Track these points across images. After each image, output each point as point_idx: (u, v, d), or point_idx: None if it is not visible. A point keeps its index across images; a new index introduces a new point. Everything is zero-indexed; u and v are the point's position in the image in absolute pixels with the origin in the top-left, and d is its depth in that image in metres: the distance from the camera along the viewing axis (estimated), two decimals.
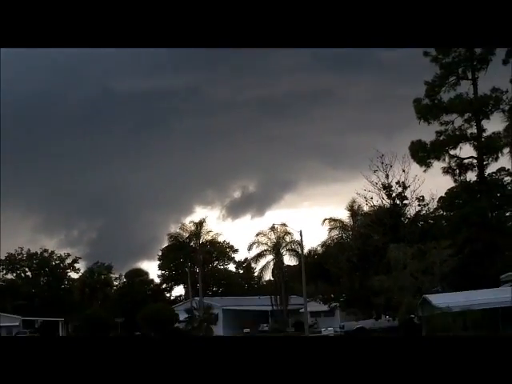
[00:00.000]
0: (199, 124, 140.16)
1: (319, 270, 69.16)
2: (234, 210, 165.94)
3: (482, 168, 63.36)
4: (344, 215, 71.42)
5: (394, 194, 60.03)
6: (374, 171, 59.70)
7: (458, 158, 63.60)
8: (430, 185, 73.21)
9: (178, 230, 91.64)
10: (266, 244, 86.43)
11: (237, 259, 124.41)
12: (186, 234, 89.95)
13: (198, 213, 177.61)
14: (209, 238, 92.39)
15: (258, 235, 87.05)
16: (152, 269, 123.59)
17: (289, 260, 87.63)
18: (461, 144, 63.78)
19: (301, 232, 74.17)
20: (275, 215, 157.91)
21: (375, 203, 61.00)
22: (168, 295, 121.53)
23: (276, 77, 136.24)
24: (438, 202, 67.66)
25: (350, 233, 69.09)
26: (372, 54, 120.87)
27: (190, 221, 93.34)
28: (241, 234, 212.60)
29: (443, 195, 67.85)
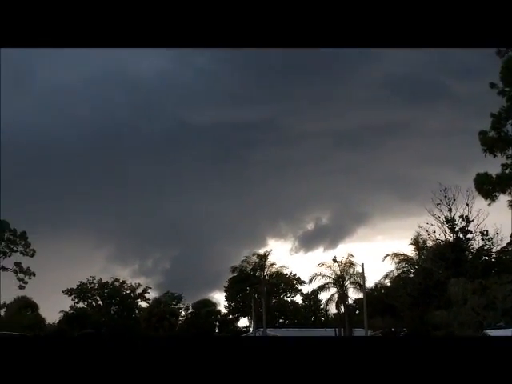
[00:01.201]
0: (274, 156, 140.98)
1: (384, 304, 68.45)
2: (307, 242, 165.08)
3: None
4: (410, 249, 70.75)
5: (457, 228, 59.07)
6: (437, 204, 58.88)
7: None
8: (494, 219, 71.96)
9: (241, 263, 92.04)
10: (330, 276, 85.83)
11: (304, 291, 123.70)
12: (251, 266, 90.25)
13: (271, 245, 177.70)
14: (273, 270, 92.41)
15: (320, 266, 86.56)
16: (222, 300, 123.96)
17: (352, 293, 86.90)
18: None
19: (363, 265, 73.70)
20: (348, 248, 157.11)
21: (438, 237, 60.07)
22: (234, 326, 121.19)
23: (351, 108, 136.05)
24: (510, 236, 66.47)
25: (416, 267, 68.27)
26: (449, 86, 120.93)
27: (253, 253, 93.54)
28: (311, 267, 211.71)
29: None
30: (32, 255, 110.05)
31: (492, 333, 47.52)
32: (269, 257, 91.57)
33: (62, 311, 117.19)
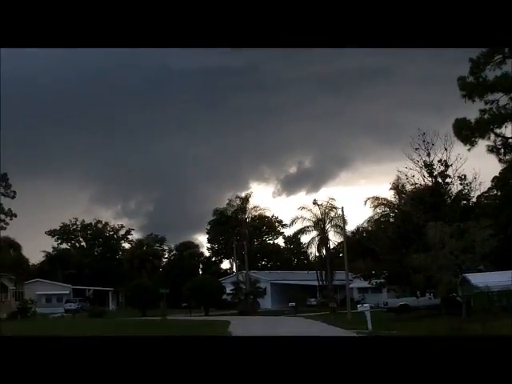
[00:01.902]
0: (256, 101, 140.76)
1: (365, 248, 68.99)
2: (289, 185, 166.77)
3: None
4: (390, 194, 71.14)
5: (435, 173, 59.19)
6: (416, 149, 58.94)
7: (504, 137, 62.35)
8: (473, 164, 71.94)
9: (224, 206, 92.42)
10: (311, 219, 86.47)
11: (287, 234, 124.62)
12: (233, 209, 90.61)
13: (254, 188, 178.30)
14: (255, 213, 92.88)
15: (301, 209, 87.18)
16: (205, 242, 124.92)
17: (334, 236, 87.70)
18: (506, 123, 62.44)
19: (342, 208, 74.15)
20: (330, 191, 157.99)
21: (417, 181, 60.24)
22: (217, 268, 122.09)
23: (335, 53, 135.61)
24: (491, 181, 66.74)
25: (395, 211, 68.67)
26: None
27: (235, 195, 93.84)
28: (294, 210, 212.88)
29: (497, 175, 67.04)
30: (13, 197, 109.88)
31: (471, 277, 48.00)
32: (251, 200, 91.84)
33: (45, 251, 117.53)
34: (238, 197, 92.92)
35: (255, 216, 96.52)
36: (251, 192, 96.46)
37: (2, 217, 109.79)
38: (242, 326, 48.69)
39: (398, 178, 66.29)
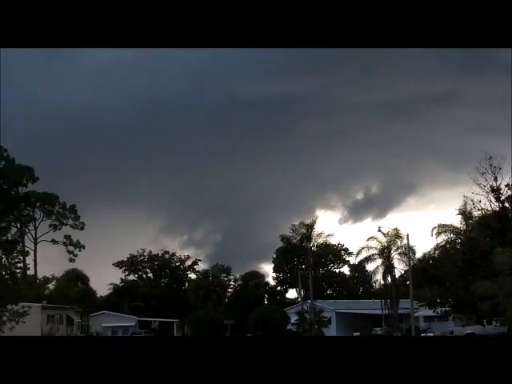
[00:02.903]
0: (324, 127, 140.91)
1: (431, 275, 67.47)
2: (356, 211, 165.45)
3: None
4: (457, 219, 69.58)
5: (502, 197, 57.60)
6: (482, 173, 57.43)
7: None
8: None
9: (289, 233, 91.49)
10: (376, 248, 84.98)
11: (352, 262, 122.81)
12: (298, 237, 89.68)
13: (320, 216, 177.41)
14: (320, 240, 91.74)
15: (368, 239, 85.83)
16: (270, 271, 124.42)
17: (399, 264, 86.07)
18: None
19: (407, 236, 72.68)
20: (397, 217, 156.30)
21: (483, 206, 58.67)
22: (282, 298, 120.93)
23: (402, 78, 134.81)
24: None
25: (461, 237, 67.07)
26: (497, 53, 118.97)
27: (299, 222, 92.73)
28: (360, 237, 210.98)
29: None
30: (81, 228, 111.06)
31: None
32: (316, 227, 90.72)
33: (112, 283, 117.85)
34: (302, 223, 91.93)
35: (321, 244, 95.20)
36: (316, 218, 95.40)
37: (71, 249, 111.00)
38: None
39: (465, 204, 64.84)
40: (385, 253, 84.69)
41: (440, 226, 71.42)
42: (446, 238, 71.01)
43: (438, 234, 68.47)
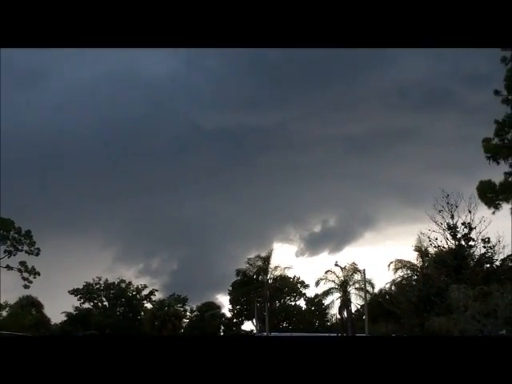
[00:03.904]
0: (285, 160, 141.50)
1: (387, 310, 67.90)
2: (313, 244, 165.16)
3: None
4: (414, 255, 70.14)
5: (459, 235, 58.28)
6: (439, 211, 58.14)
7: None
8: (497, 227, 71.17)
9: (246, 266, 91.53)
10: (334, 281, 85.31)
11: (308, 295, 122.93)
12: (254, 270, 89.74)
13: (278, 248, 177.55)
14: (277, 273, 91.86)
15: (326, 273, 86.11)
16: (227, 303, 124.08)
17: (356, 299, 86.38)
18: None
19: (364, 271, 73.17)
20: (353, 251, 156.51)
21: (440, 244, 59.33)
22: (237, 329, 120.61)
23: (362, 114, 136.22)
24: None
25: (417, 274, 67.71)
26: (457, 93, 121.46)
27: (256, 255, 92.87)
28: (316, 270, 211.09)
29: None
30: (37, 254, 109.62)
31: None
32: (272, 260, 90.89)
33: (65, 312, 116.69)
34: (259, 256, 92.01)
35: (277, 277, 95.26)
36: (271, 250, 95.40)
37: (26, 275, 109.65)
38: None
39: (422, 240, 65.47)
40: (342, 287, 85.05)
41: (397, 261, 72.10)
42: (402, 273, 71.70)
43: (396, 269, 69.16)
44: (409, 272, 71.42)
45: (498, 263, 60.08)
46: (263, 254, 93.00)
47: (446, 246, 59.46)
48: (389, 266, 72.18)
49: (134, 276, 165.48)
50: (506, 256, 62.15)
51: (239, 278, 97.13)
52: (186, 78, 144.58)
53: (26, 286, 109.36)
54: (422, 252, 67.24)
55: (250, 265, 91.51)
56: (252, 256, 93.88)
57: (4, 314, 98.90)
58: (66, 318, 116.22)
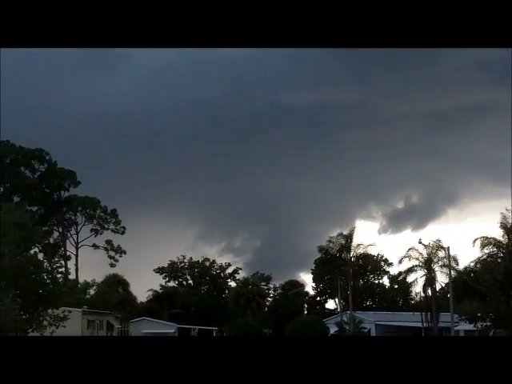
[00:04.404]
0: (366, 137, 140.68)
1: (472, 288, 66.69)
2: (396, 221, 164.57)
3: None
4: (500, 232, 68.57)
5: None
6: None
7: None
8: None
9: (327, 244, 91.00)
10: (417, 259, 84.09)
11: (391, 273, 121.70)
12: (336, 247, 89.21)
13: (360, 225, 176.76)
14: (360, 251, 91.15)
15: (409, 250, 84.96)
16: (310, 281, 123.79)
17: (441, 277, 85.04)
18: None
19: (448, 248, 71.87)
20: (437, 228, 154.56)
21: None
22: (321, 308, 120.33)
23: (442, 90, 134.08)
24: None
25: (503, 251, 66.17)
26: None
27: (338, 233, 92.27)
28: (399, 247, 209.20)
29: None
30: (123, 233, 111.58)
31: None
32: (354, 237, 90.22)
33: (152, 290, 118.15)
34: (341, 234, 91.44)
35: (360, 254, 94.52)
36: (353, 228, 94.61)
37: (112, 254, 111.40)
38: None
39: (507, 217, 64.03)
40: (426, 264, 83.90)
41: (483, 238, 70.67)
42: (487, 251, 70.28)
43: (482, 246, 67.73)
44: (494, 249, 69.87)
45: None
46: (345, 232, 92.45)
47: None
48: (474, 242, 70.58)
49: (216, 254, 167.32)
50: None
51: (322, 255, 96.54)
52: (266, 55, 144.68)
53: (112, 265, 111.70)
54: (507, 229, 65.67)
55: (332, 242, 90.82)
56: (334, 234, 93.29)
57: (91, 292, 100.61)
58: (151, 297, 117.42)
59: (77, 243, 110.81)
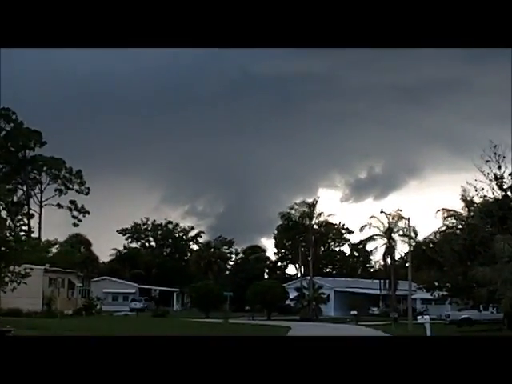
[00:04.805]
0: (332, 107, 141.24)
1: (430, 258, 67.47)
2: (358, 190, 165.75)
3: None
4: (460, 205, 69.32)
5: (505, 186, 57.27)
6: (486, 161, 57.01)
7: None
8: None
9: (290, 211, 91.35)
10: (378, 228, 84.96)
11: (352, 241, 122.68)
12: (298, 214, 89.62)
13: (322, 194, 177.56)
14: (322, 218, 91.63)
15: (371, 218, 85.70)
16: (271, 246, 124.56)
17: (401, 246, 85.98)
18: None
19: (408, 219, 72.57)
20: (398, 198, 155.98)
21: (486, 194, 58.36)
22: (282, 273, 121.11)
23: (412, 63, 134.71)
24: None
25: (462, 223, 66.86)
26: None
27: (301, 201, 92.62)
28: (361, 216, 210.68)
29: None
30: (87, 193, 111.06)
31: None
32: (318, 205, 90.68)
33: (115, 249, 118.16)
34: (304, 202, 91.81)
35: (322, 222, 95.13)
36: (318, 197, 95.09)
37: (75, 213, 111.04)
38: (301, 333, 47.66)
39: (468, 190, 64.60)
40: (386, 233, 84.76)
41: (444, 209, 71.35)
42: (447, 222, 71.00)
43: (444, 218, 68.42)
44: (454, 221, 70.57)
45: None
46: (309, 200, 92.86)
47: (491, 197, 58.28)
48: (436, 213, 71.31)
49: (180, 217, 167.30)
50: None
51: (284, 222, 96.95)
52: None
53: (75, 225, 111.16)
54: (467, 202, 66.24)
55: (294, 209, 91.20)
56: (298, 201, 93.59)
57: (54, 250, 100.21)
58: (114, 257, 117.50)
59: (41, 202, 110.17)
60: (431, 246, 74.22)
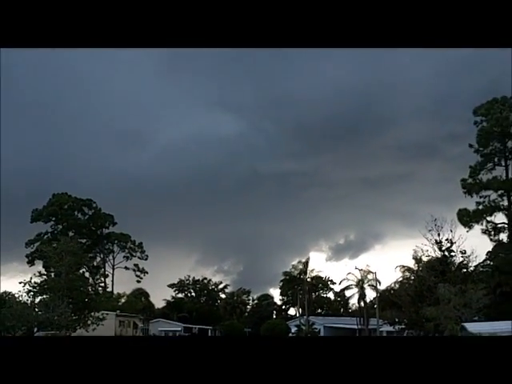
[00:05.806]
0: (319, 194, 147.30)
1: (392, 301, 66.70)
2: (338, 253, 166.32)
3: (511, 230, 60.65)
4: (412, 262, 69.07)
5: (443, 248, 57.52)
6: (429, 230, 57.35)
7: (493, 222, 61.15)
8: (471, 242, 70.92)
9: (290, 269, 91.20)
10: (353, 280, 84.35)
11: (336, 290, 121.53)
12: (296, 271, 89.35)
13: (312, 255, 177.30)
14: (313, 274, 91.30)
15: (347, 274, 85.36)
16: (277, 294, 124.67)
17: (370, 292, 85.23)
18: (495, 213, 61.70)
19: (375, 273, 72.25)
20: (367, 257, 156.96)
21: (430, 254, 58.74)
22: (285, 314, 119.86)
23: (375, 161, 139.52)
24: (486, 254, 64.83)
25: (414, 275, 66.35)
26: (442, 148, 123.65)
27: (298, 261, 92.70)
28: (340, 271, 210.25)
29: (489, 250, 65.48)
30: (146, 259, 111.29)
31: (468, 325, 46.71)
32: (310, 264, 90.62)
33: (165, 299, 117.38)
34: (300, 262, 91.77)
35: (313, 276, 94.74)
36: (309, 258, 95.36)
37: (138, 273, 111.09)
38: None
39: (417, 252, 64.37)
40: (359, 284, 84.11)
41: (401, 266, 70.87)
42: (403, 275, 70.42)
43: (403, 272, 68.37)
44: (408, 274, 70.07)
45: (471, 268, 59.28)
46: (303, 260, 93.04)
47: (434, 256, 58.52)
48: (395, 269, 71.07)
49: (211, 275, 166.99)
50: (477, 263, 61.60)
51: (285, 277, 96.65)
52: (249, 135, 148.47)
53: (138, 281, 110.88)
54: (417, 259, 65.97)
55: (294, 268, 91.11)
56: (295, 262, 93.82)
57: (123, 300, 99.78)
58: (165, 304, 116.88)
59: (113, 266, 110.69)
60: (392, 292, 73.50)
